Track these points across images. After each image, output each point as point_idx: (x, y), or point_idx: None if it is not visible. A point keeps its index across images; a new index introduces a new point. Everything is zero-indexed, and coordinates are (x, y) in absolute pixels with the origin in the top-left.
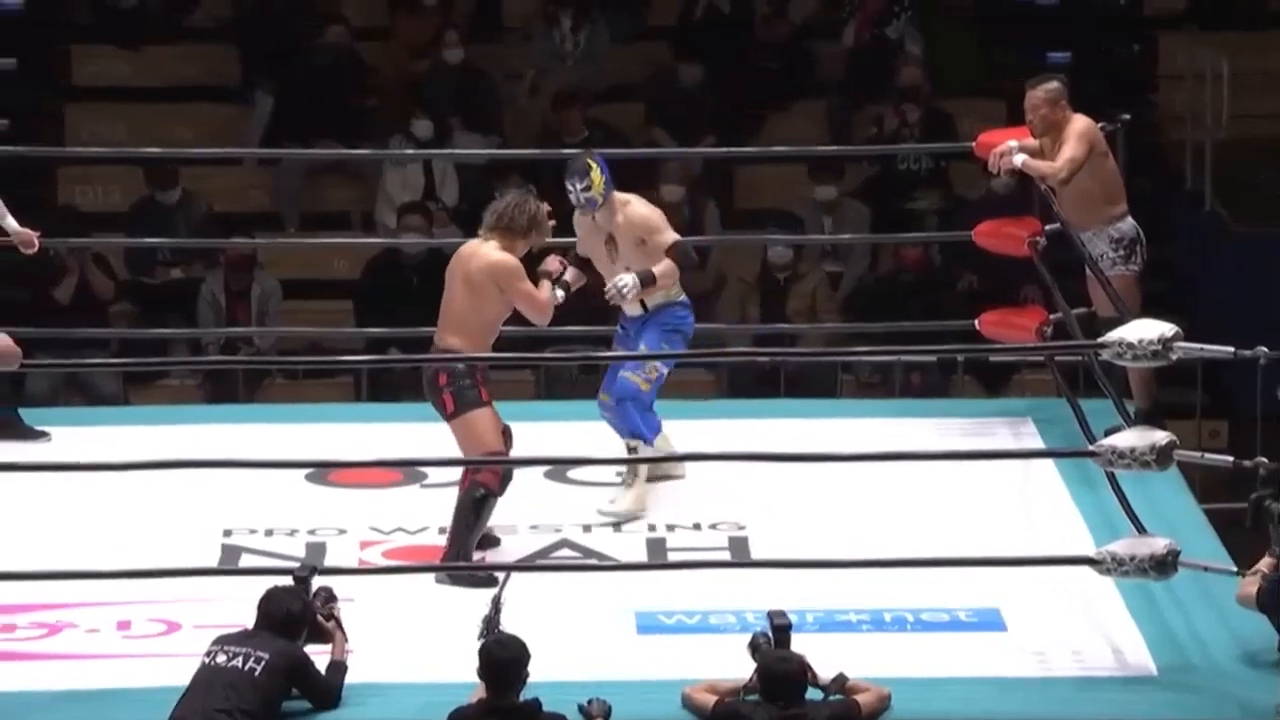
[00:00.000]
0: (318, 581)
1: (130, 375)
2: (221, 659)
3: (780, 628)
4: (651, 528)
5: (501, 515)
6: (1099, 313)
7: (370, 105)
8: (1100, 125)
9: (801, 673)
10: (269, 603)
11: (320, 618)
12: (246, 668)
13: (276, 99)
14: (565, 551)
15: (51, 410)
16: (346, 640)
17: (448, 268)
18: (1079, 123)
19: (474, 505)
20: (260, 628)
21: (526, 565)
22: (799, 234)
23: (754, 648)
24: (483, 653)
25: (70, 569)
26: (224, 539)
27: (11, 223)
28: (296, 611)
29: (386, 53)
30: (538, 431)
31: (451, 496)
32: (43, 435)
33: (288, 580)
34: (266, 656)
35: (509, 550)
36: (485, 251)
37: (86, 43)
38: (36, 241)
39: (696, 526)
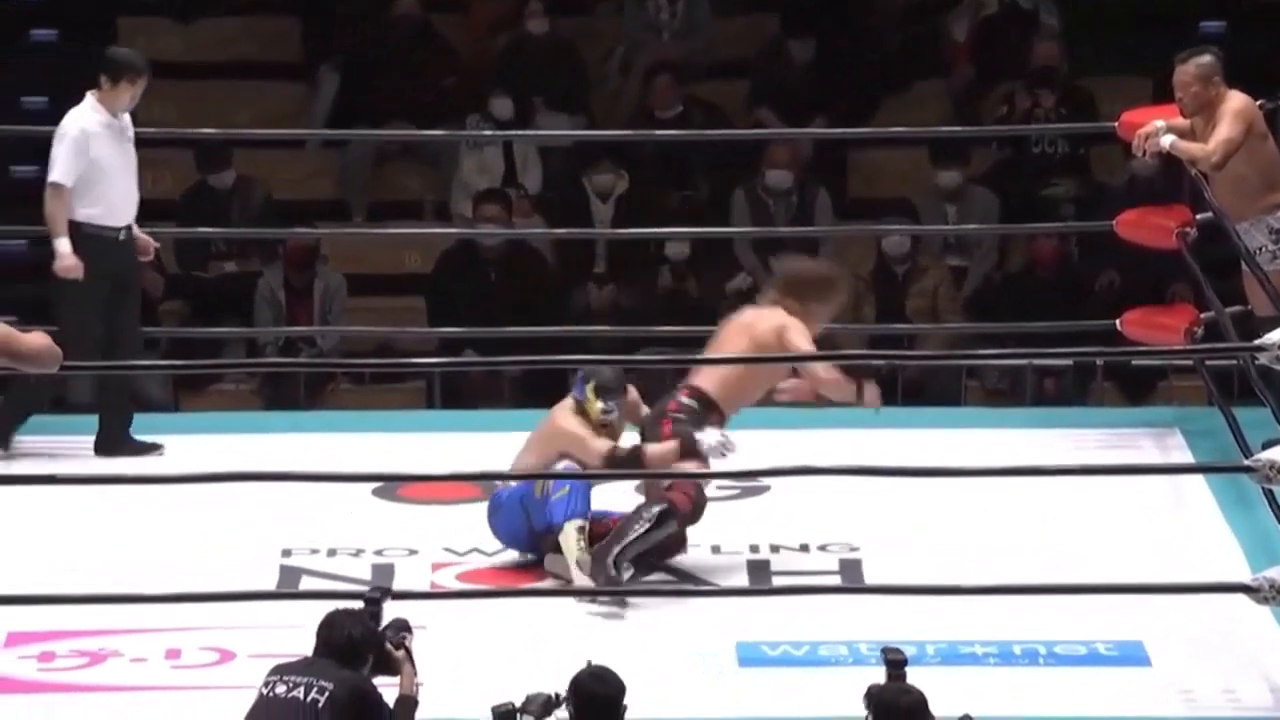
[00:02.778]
0: (392, 610)
1: (180, 379)
2: (281, 690)
3: (894, 663)
4: (754, 549)
5: None
6: (1256, 312)
7: (446, 83)
8: (1259, 103)
9: (923, 706)
10: (329, 629)
11: (389, 646)
12: (309, 699)
13: (342, 76)
14: (659, 575)
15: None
16: (416, 673)
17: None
18: (1235, 100)
19: (655, 517)
20: (320, 656)
21: (616, 589)
22: (919, 224)
23: (871, 698)
24: (575, 688)
25: (114, 592)
26: (283, 559)
27: (63, 244)
28: (359, 637)
29: (463, 25)
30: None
31: None
32: (156, 449)
33: (353, 605)
34: (330, 687)
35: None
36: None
37: (134, 14)
38: (152, 250)
39: (804, 548)
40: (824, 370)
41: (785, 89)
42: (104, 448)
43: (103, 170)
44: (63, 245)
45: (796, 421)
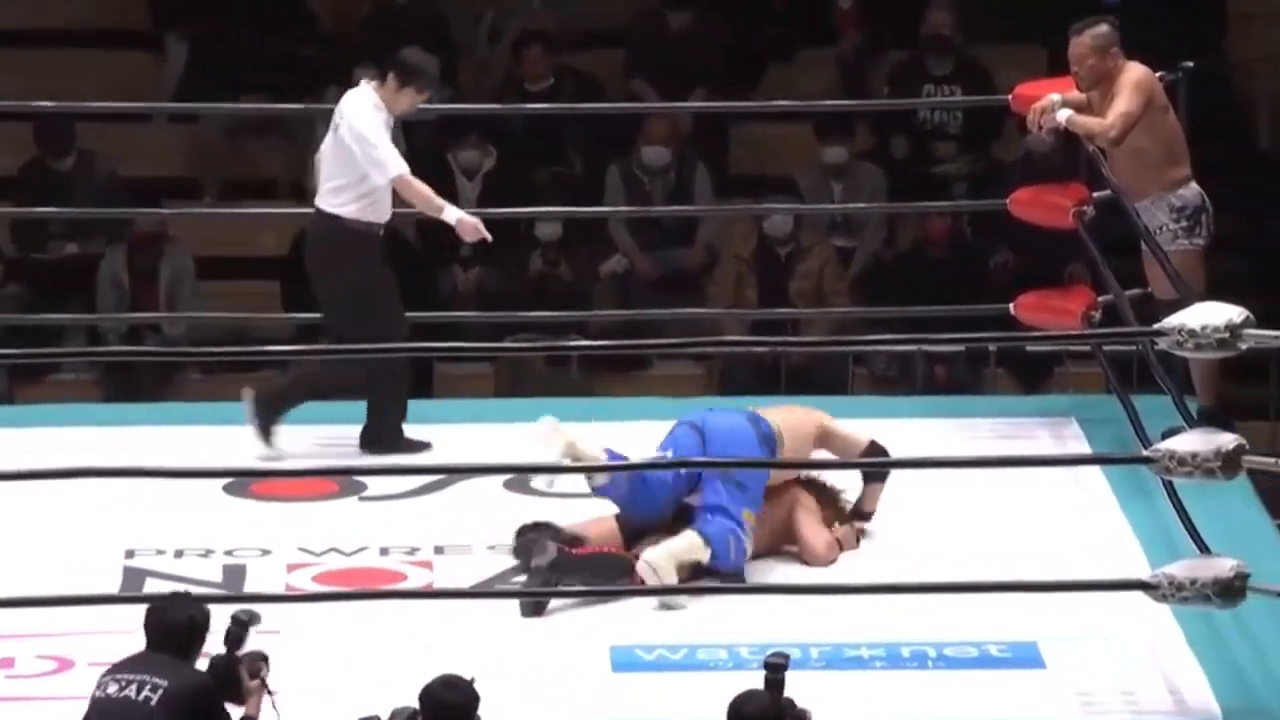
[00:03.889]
0: (254, 640)
1: (16, 368)
2: (113, 689)
3: (770, 666)
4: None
5: (455, 533)
6: (1156, 294)
7: (304, 53)
8: (1159, 75)
9: (771, 713)
10: (149, 616)
11: (245, 674)
12: (141, 697)
13: (191, 45)
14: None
15: None
16: (271, 694)
17: None
18: (1133, 72)
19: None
20: (151, 650)
21: (482, 592)
22: (803, 202)
23: None
24: (425, 696)
25: None
26: (126, 561)
27: (453, 212)
28: (181, 622)
29: None
30: (497, 434)
31: (392, 510)
32: (425, 446)
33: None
34: (164, 684)
35: (461, 575)
36: None
37: None
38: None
39: None
40: (822, 545)
41: (663, 59)
42: (372, 443)
43: None
44: (450, 213)
45: (666, 412)
